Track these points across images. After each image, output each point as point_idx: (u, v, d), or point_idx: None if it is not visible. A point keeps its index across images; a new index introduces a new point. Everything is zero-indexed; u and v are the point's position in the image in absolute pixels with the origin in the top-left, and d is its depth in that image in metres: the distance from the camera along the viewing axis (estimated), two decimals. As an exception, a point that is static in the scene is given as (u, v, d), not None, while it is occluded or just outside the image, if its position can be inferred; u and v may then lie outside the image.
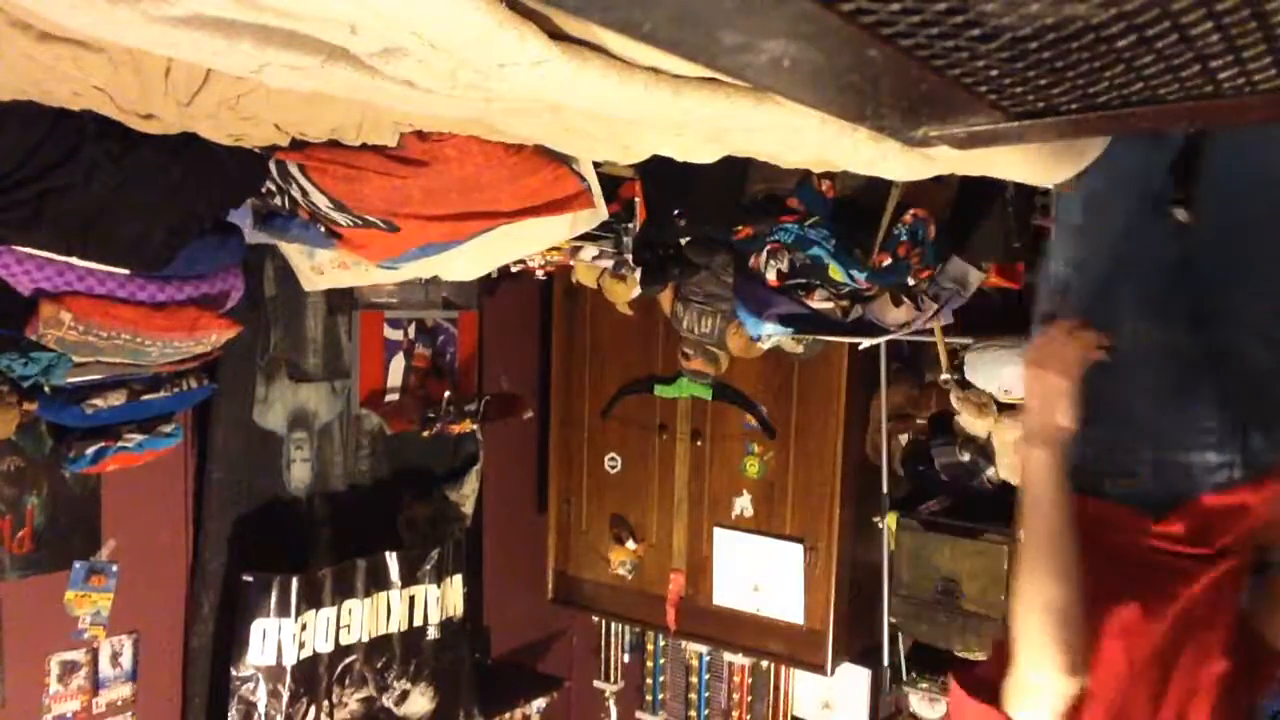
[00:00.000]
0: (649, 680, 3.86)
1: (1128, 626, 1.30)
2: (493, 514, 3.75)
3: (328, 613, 2.92)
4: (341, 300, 3.09)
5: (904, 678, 3.11)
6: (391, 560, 3.08)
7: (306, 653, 2.87)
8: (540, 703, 3.68)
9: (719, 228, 2.51)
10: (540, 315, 3.89)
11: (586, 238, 2.52)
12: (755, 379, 3.22)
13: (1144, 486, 1.38)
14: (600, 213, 2.11)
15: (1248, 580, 1.44)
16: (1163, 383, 1.40)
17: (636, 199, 2.43)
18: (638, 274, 2.72)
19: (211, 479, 2.83)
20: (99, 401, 2.29)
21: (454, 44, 0.74)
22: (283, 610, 2.79)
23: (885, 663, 3.10)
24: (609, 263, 2.84)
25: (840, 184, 2.40)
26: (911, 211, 2.32)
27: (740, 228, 2.49)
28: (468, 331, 3.55)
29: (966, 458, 2.86)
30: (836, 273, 2.39)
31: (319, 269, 2.60)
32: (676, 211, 2.43)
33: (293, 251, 2.57)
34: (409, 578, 3.12)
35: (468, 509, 3.50)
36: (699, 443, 3.35)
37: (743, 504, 3.28)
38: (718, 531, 3.33)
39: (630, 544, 3.49)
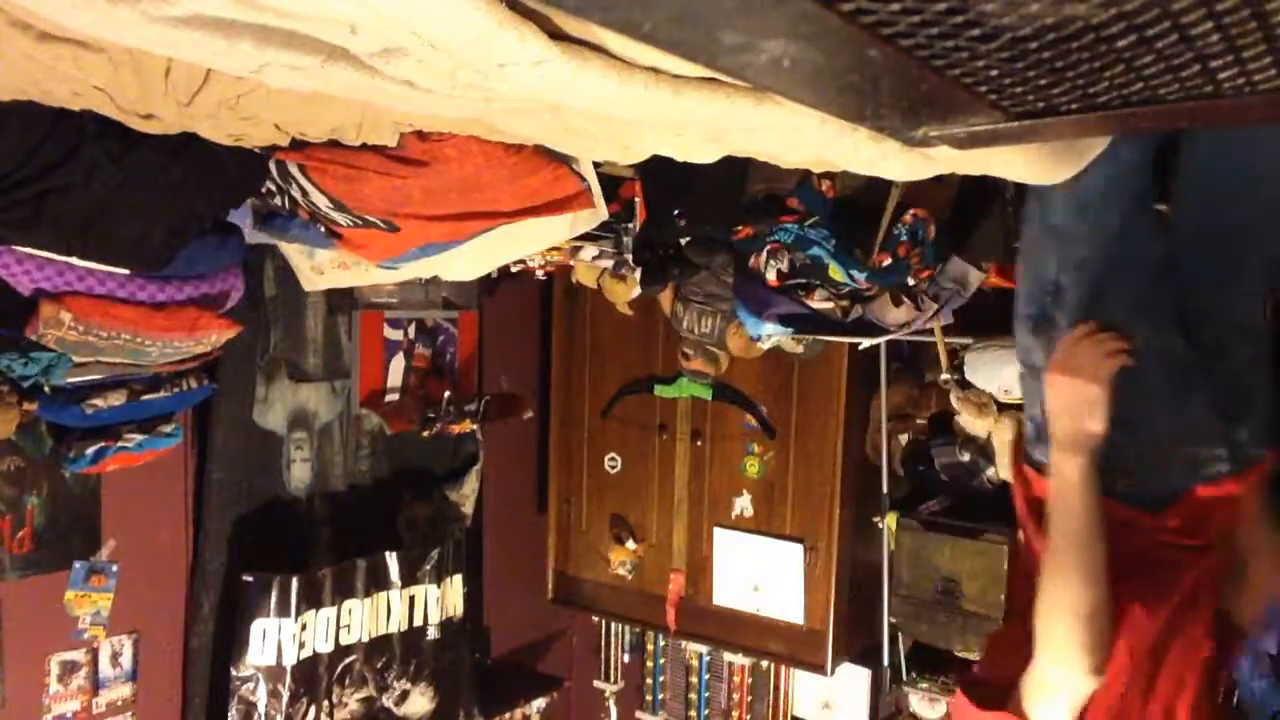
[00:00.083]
0: (649, 680, 3.86)
1: (1131, 624, 1.31)
2: (493, 514, 3.75)
3: (328, 613, 2.92)
4: (341, 300, 3.09)
5: (904, 678, 3.11)
6: (391, 560, 3.08)
7: (306, 653, 2.87)
8: (540, 703, 3.68)
9: (719, 228, 2.51)
10: (540, 315, 3.89)
11: (586, 238, 2.52)
12: (755, 379, 3.22)
13: (1141, 483, 1.38)
14: (600, 213, 2.11)
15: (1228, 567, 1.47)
16: (1157, 381, 1.40)
17: (636, 199, 2.43)
18: (638, 274, 2.72)
19: (211, 479, 2.83)
20: (99, 401, 2.29)
21: (454, 44, 0.74)
22: (283, 610, 2.79)
23: (885, 663, 3.10)
24: (609, 263, 2.84)
25: (840, 184, 2.40)
26: (911, 211, 2.32)
27: (740, 228, 2.49)
28: (468, 331, 3.55)
29: (966, 458, 2.86)
30: (836, 273, 2.39)
31: (319, 269, 2.60)
32: (676, 211, 2.43)
33: (293, 251, 2.57)
34: (409, 578, 3.12)
35: (468, 509, 3.50)
36: (699, 443, 3.35)
37: (743, 504, 3.28)
38: (718, 531, 3.33)
39: (630, 544, 3.49)
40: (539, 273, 3.05)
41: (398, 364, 3.30)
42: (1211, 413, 1.45)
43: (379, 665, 3.09)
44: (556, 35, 0.78)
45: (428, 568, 3.16)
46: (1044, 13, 0.67)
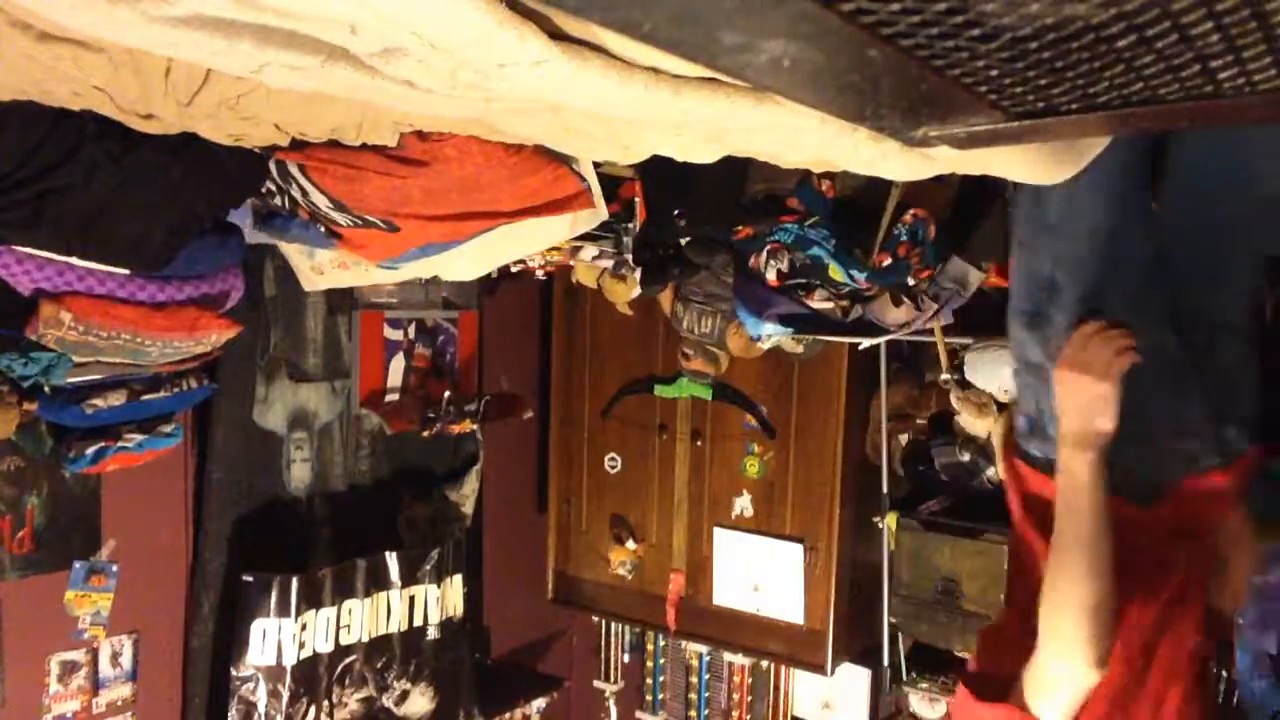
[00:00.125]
0: (649, 680, 3.86)
1: (1126, 619, 1.32)
2: (493, 514, 3.75)
3: (328, 613, 2.92)
4: (341, 300, 3.09)
5: (904, 678, 3.11)
6: (391, 560, 3.08)
7: (306, 653, 2.87)
8: (540, 703, 3.68)
9: (719, 228, 2.51)
10: (540, 315, 3.89)
11: (586, 238, 2.52)
12: (755, 379, 3.22)
13: (1135, 478, 1.39)
14: (600, 213, 2.11)
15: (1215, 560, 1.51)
16: (1150, 377, 1.41)
17: (636, 199, 2.43)
18: (638, 274, 2.72)
19: (211, 479, 2.83)
20: (99, 401, 2.29)
21: (454, 44, 0.74)
22: (283, 610, 2.79)
23: (885, 663, 3.10)
24: (609, 263, 2.84)
25: (840, 184, 2.40)
26: (911, 211, 2.32)
27: (740, 228, 2.49)
28: (468, 331, 3.55)
29: (966, 458, 2.86)
30: (836, 273, 2.39)
31: (319, 269, 2.60)
32: (676, 211, 2.43)
33: (293, 251, 2.57)
34: (409, 578, 3.12)
35: (468, 509, 3.50)
36: (699, 443, 3.35)
37: (743, 504, 3.28)
38: (718, 531, 3.33)
39: (630, 544, 3.49)
40: (539, 273, 3.05)
41: (398, 364, 3.30)
42: (1202, 409, 1.46)
43: (379, 665, 3.09)
44: (556, 35, 0.78)
45: (428, 568, 3.16)
46: (1044, 13, 0.67)
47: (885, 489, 3.08)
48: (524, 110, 1.08)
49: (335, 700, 2.98)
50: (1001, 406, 2.70)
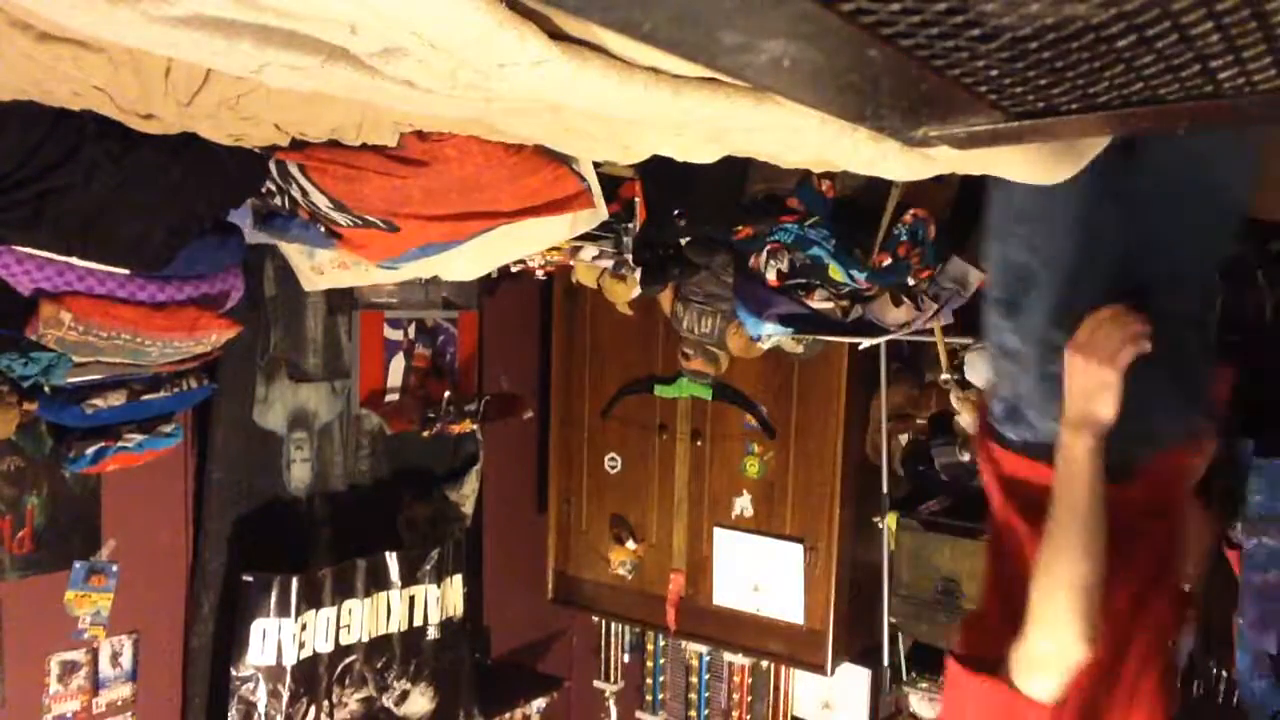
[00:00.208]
0: (649, 680, 3.86)
1: (1109, 598, 1.35)
2: (493, 514, 3.76)
3: (328, 613, 2.92)
4: (341, 300, 3.09)
5: (904, 678, 3.11)
6: (391, 560, 3.08)
7: (306, 653, 2.87)
8: (540, 703, 3.68)
9: (719, 228, 2.51)
10: (540, 315, 3.89)
11: (586, 238, 2.52)
12: (755, 379, 3.22)
13: (1109, 458, 1.41)
14: (600, 213, 2.11)
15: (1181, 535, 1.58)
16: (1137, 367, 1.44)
17: (636, 199, 2.43)
18: (638, 274, 2.72)
19: (211, 479, 2.83)
20: (99, 401, 2.29)
21: (454, 44, 0.74)
22: (283, 610, 2.79)
23: (885, 663, 3.10)
24: (609, 263, 2.84)
25: (840, 184, 2.41)
26: (911, 211, 2.32)
27: (740, 228, 2.49)
28: (468, 331, 3.55)
29: (966, 458, 2.86)
30: (836, 273, 2.39)
31: (319, 269, 2.60)
32: (676, 211, 2.43)
33: (293, 251, 2.57)
34: (409, 578, 3.12)
35: (468, 509, 3.50)
36: (699, 443, 3.35)
37: (743, 504, 3.28)
38: (718, 531, 3.33)
39: (630, 544, 3.49)
40: (539, 273, 3.05)
41: (398, 364, 3.30)
42: (1170, 392, 1.50)
43: (379, 665, 3.09)
44: (556, 35, 0.78)
45: (428, 568, 3.16)
46: (1044, 13, 0.67)
47: (885, 489, 3.08)
48: (524, 110, 1.08)
49: (335, 700, 2.98)
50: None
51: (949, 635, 2.94)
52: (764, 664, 3.56)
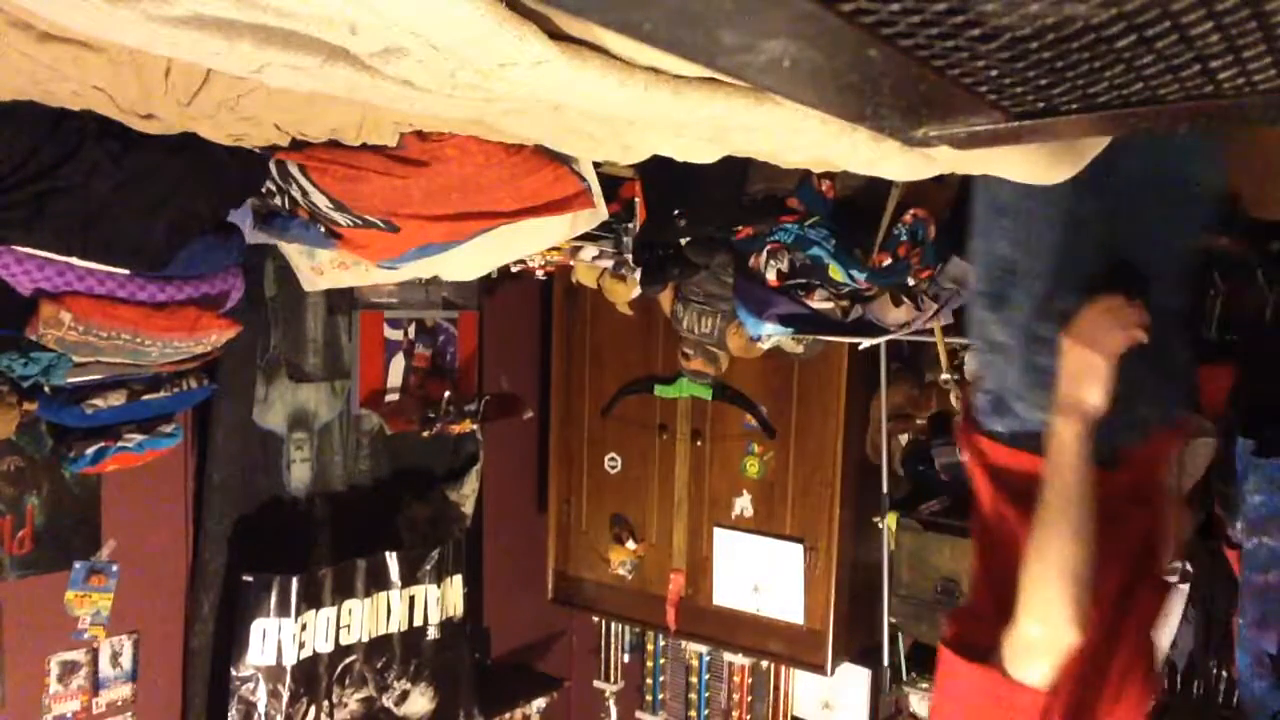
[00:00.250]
0: (649, 680, 3.86)
1: (1099, 584, 1.36)
2: (493, 514, 3.76)
3: (328, 613, 2.92)
4: (341, 300, 3.09)
5: (904, 678, 3.11)
6: (391, 560, 3.08)
7: (306, 653, 2.87)
8: (540, 703, 3.68)
9: (719, 228, 2.51)
10: (540, 315, 3.89)
11: (586, 238, 2.52)
12: (755, 379, 3.22)
13: (1095, 443, 1.42)
14: (600, 213, 2.11)
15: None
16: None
17: (636, 199, 2.43)
18: (638, 274, 2.72)
19: (211, 479, 2.83)
20: (99, 401, 2.29)
21: (454, 44, 0.75)
22: (283, 610, 2.79)
23: (885, 663, 3.10)
24: (609, 263, 2.84)
25: (840, 184, 2.41)
26: (911, 211, 2.32)
27: (740, 228, 2.49)
28: (468, 331, 3.55)
29: (967, 457, 2.86)
30: (836, 273, 2.39)
31: (319, 269, 2.60)
32: (676, 211, 2.43)
33: (293, 251, 2.57)
34: (409, 578, 3.12)
35: (468, 509, 3.50)
36: (699, 443, 3.35)
37: (743, 504, 3.28)
38: (718, 531, 3.33)
39: (630, 544, 3.49)
40: (539, 273, 3.05)
41: (398, 364, 3.30)
42: (1151, 379, 1.52)
43: (379, 665, 3.09)
44: (556, 35, 0.78)
45: (428, 568, 3.16)
46: (1044, 13, 0.67)
47: (885, 489, 3.08)
48: (524, 110, 1.08)
49: (335, 700, 2.98)
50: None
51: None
52: (764, 664, 3.56)
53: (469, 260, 2.26)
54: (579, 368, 3.62)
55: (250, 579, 2.77)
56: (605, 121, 1.10)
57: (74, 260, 1.79)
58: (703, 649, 3.69)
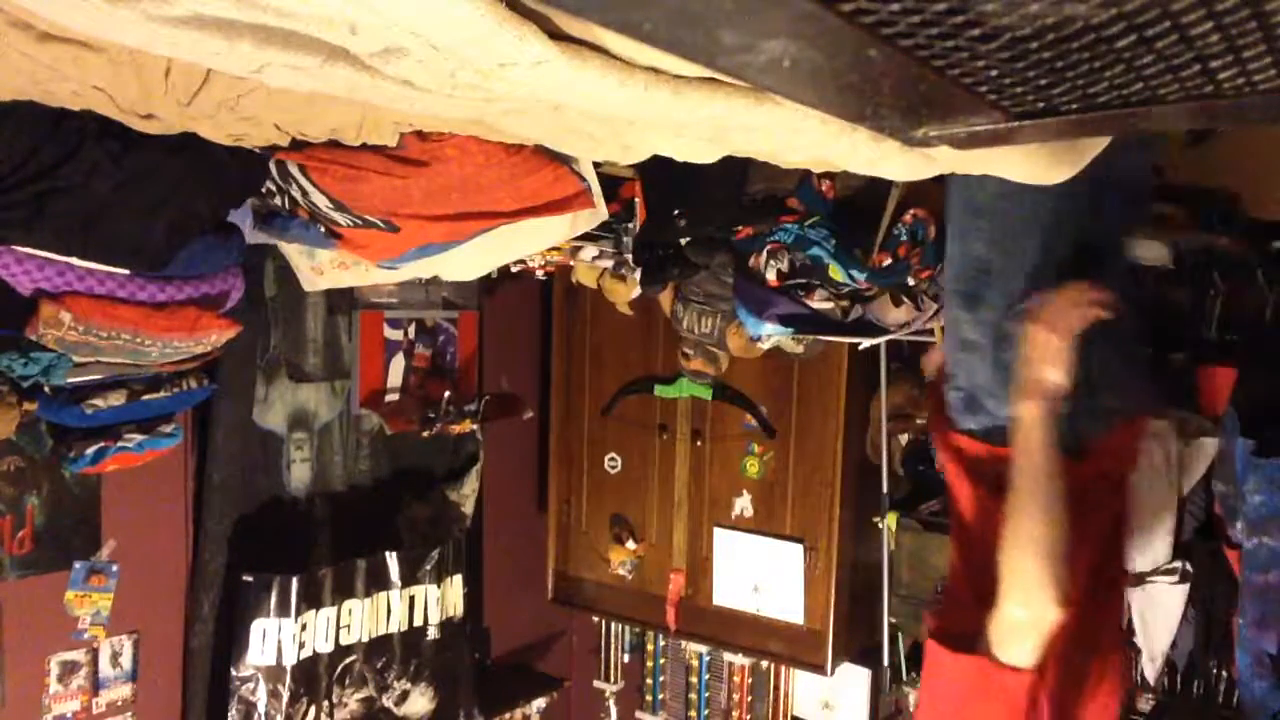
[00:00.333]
0: (649, 680, 3.86)
1: (1076, 566, 1.39)
2: (493, 514, 3.76)
3: (328, 613, 2.92)
4: (341, 300, 3.09)
5: (904, 678, 3.11)
6: (391, 560, 3.08)
7: (306, 653, 2.87)
8: (540, 703, 3.68)
9: (719, 228, 2.51)
10: (540, 315, 3.89)
11: (586, 238, 2.52)
12: (755, 379, 3.22)
13: (1062, 433, 1.45)
14: (600, 213, 2.11)
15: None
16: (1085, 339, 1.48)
17: (636, 199, 2.43)
18: (638, 274, 2.72)
19: (211, 479, 2.83)
20: (99, 401, 2.29)
21: (454, 44, 0.75)
22: (283, 610, 2.79)
23: (885, 663, 3.10)
24: (609, 263, 2.84)
25: (840, 184, 2.40)
26: (911, 211, 2.32)
27: (740, 228, 2.49)
28: (468, 331, 3.55)
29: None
30: (836, 273, 2.39)
31: (319, 269, 2.60)
32: (676, 211, 2.43)
33: (293, 251, 2.57)
34: (409, 578, 3.12)
35: (468, 509, 3.50)
36: (699, 443, 3.35)
37: (743, 504, 3.28)
38: (718, 531, 3.33)
39: (630, 544, 3.49)
40: (539, 273, 3.05)
41: (398, 364, 3.30)
42: (1116, 371, 1.57)
43: (379, 665, 3.09)
44: (556, 35, 0.78)
45: (428, 568, 3.16)
46: (1044, 13, 0.67)
47: (885, 489, 3.08)
48: (524, 110, 1.08)
49: (335, 700, 2.98)
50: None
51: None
52: (764, 664, 3.56)
53: (469, 260, 2.26)
54: (579, 368, 3.62)
55: (250, 579, 2.77)
56: (605, 121, 1.10)
57: (74, 260, 1.79)
58: (703, 649, 3.69)
